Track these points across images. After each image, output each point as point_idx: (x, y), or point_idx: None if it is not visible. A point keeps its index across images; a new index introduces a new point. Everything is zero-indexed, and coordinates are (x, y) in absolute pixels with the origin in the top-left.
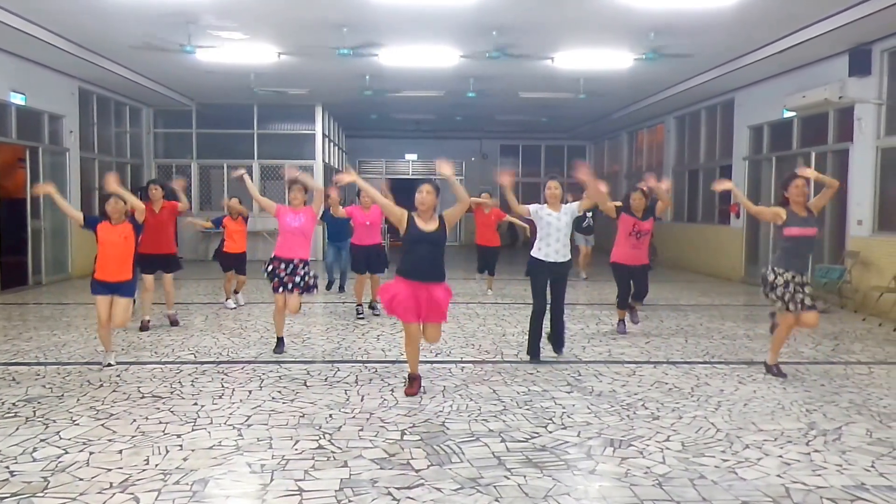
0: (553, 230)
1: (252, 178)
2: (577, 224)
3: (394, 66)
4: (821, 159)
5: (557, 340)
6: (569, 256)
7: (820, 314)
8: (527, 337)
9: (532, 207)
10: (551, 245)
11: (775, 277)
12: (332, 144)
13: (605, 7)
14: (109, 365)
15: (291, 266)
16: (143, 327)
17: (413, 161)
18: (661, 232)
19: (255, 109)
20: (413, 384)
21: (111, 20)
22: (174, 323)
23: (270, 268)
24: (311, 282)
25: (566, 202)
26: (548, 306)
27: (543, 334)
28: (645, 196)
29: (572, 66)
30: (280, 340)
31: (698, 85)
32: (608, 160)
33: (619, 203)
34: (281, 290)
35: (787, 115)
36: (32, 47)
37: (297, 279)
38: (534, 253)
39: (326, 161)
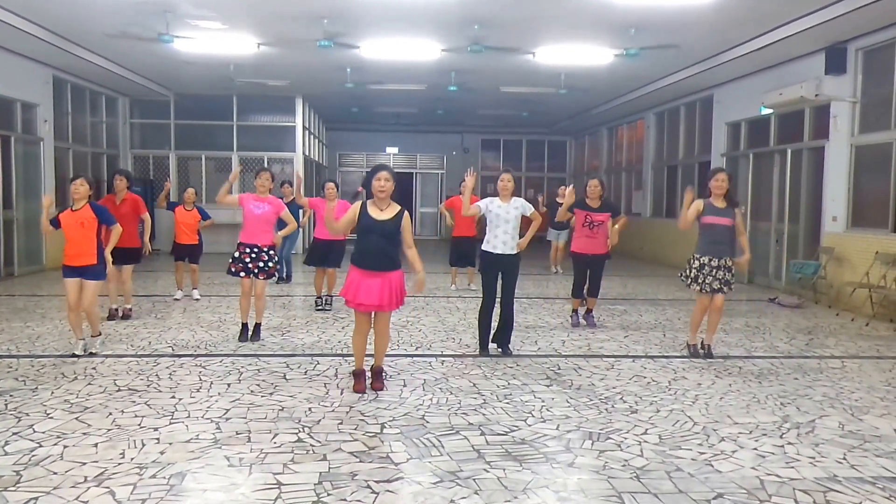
0: (501, 221)
1: (231, 170)
2: (550, 219)
3: (375, 58)
4: (797, 156)
5: (503, 337)
6: (516, 250)
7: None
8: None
9: (482, 204)
10: (498, 237)
11: (691, 261)
12: (312, 137)
13: (585, 3)
14: (75, 356)
15: (256, 251)
16: (111, 316)
17: (394, 154)
18: (640, 227)
19: (234, 100)
20: (359, 380)
21: (86, 7)
22: (126, 317)
23: (233, 268)
24: (274, 269)
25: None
26: (497, 301)
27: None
28: (602, 185)
29: (553, 60)
30: (244, 326)
31: (678, 81)
32: (588, 155)
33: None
34: (243, 274)
35: (765, 112)
36: (5, 34)
37: (261, 264)
38: (483, 246)
39: (307, 154)
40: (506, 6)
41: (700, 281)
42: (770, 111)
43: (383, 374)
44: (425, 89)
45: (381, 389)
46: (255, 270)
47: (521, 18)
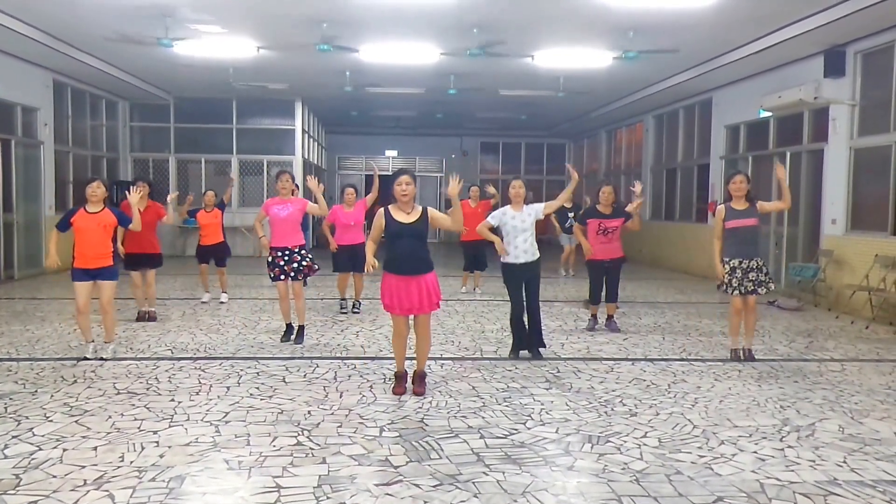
0: (519, 231)
1: (231, 172)
2: (562, 224)
3: (374, 62)
4: (796, 159)
5: (534, 340)
6: (538, 255)
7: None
8: (507, 334)
9: (495, 220)
10: (518, 246)
11: (723, 266)
12: (311, 140)
13: (583, 6)
14: (86, 359)
15: (287, 253)
16: (140, 318)
17: (393, 158)
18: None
19: (234, 104)
20: (400, 382)
21: (86, 11)
22: (151, 319)
23: (271, 273)
24: (312, 265)
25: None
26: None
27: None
28: (615, 191)
29: (552, 64)
30: (289, 327)
31: (676, 84)
32: (587, 158)
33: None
34: (282, 277)
35: (764, 115)
36: (5, 38)
37: (296, 265)
38: (504, 259)
39: (306, 157)
40: (504, 9)
41: (733, 283)
42: (769, 114)
43: (426, 378)
44: (424, 93)
45: (423, 395)
46: (292, 273)
47: (520, 22)
